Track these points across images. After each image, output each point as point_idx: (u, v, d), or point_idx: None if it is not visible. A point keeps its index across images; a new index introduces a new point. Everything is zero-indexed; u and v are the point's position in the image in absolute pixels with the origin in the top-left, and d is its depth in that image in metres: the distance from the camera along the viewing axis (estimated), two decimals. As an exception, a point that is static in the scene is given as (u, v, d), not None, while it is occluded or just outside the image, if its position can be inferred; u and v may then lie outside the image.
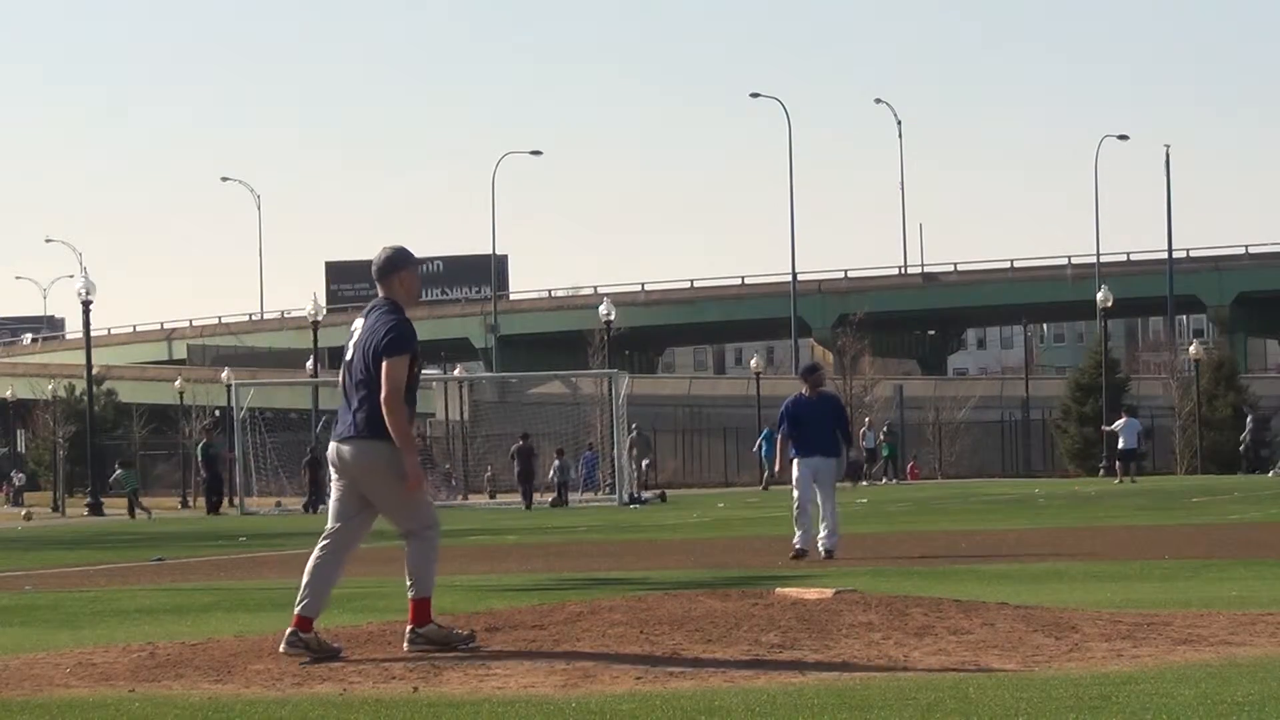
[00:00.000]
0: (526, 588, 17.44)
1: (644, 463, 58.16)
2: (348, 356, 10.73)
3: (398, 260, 10.71)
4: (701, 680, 9.56)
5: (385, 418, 10.47)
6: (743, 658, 10.15)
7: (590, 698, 9.06)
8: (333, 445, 10.75)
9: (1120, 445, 57.10)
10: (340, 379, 10.84)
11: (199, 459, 52.96)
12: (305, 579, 10.79)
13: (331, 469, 10.85)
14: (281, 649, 10.61)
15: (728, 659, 10.12)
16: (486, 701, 9.05)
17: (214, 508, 51.66)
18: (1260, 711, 8.16)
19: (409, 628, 10.75)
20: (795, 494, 20.85)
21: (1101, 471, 64.05)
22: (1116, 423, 58.22)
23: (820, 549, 20.51)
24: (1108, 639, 10.67)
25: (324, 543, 10.85)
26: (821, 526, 20.64)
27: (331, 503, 10.93)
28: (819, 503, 20.71)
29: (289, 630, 10.67)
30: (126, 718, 9.00)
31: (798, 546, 20.53)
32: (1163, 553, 20.57)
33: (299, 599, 10.75)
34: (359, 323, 10.84)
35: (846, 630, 10.90)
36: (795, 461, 20.83)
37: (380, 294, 10.77)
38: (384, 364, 10.45)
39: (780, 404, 21.98)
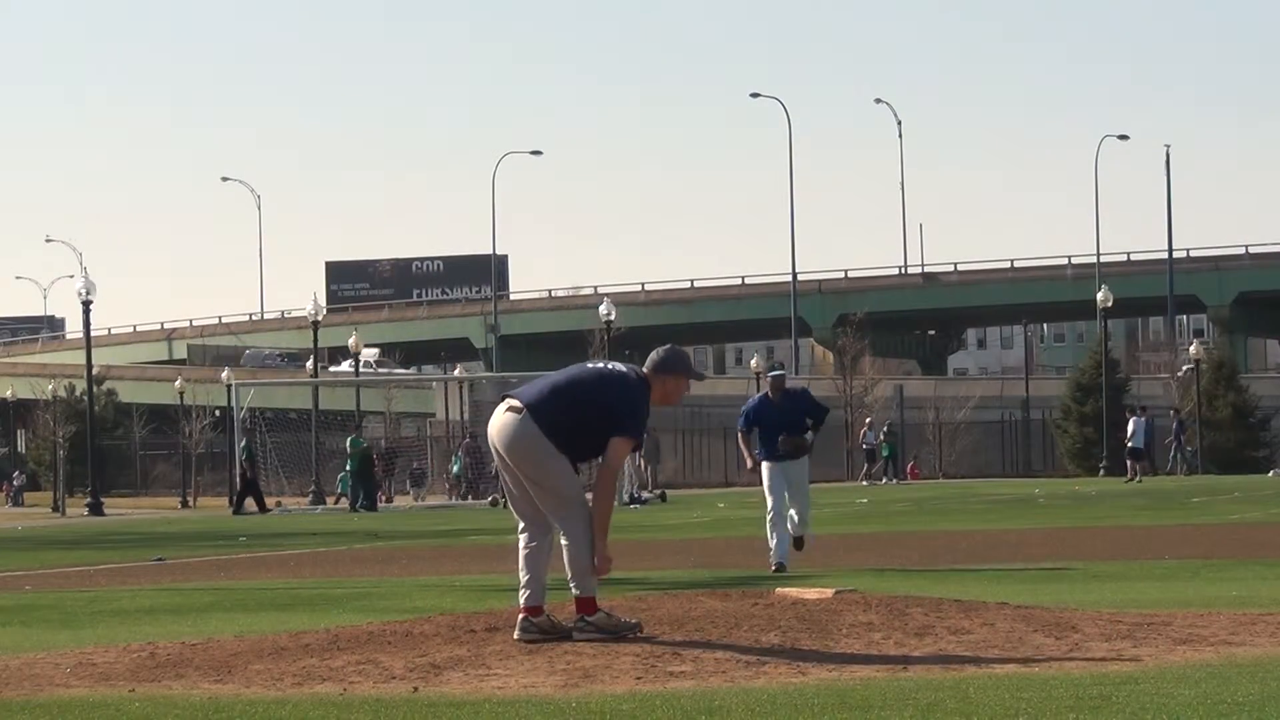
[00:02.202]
0: (526, 588, 17.42)
1: (653, 464, 58.04)
2: (573, 369, 10.88)
3: (668, 365, 10.80)
4: (701, 680, 9.56)
5: (595, 490, 10.64)
6: (743, 658, 10.16)
7: (590, 698, 9.07)
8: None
9: (1129, 444, 57.49)
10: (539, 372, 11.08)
11: (243, 458, 52.97)
12: (569, 566, 10.74)
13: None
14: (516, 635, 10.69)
15: (728, 659, 10.12)
16: (486, 701, 9.05)
17: (259, 506, 51.53)
18: (1260, 711, 8.17)
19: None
20: (769, 501, 19.27)
21: (1101, 471, 64.07)
22: (1129, 423, 58.63)
23: (790, 535, 19.12)
24: (1108, 639, 10.67)
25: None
26: (792, 513, 19.13)
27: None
28: (790, 504, 19.19)
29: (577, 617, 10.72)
30: (126, 718, 9.00)
31: (776, 561, 18.97)
32: (1163, 553, 20.57)
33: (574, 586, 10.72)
34: (594, 365, 10.95)
35: (846, 630, 10.90)
36: (765, 467, 19.30)
37: (644, 371, 10.79)
38: (614, 441, 10.57)
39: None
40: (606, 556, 10.63)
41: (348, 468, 53.37)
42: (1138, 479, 54.98)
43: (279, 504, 54.43)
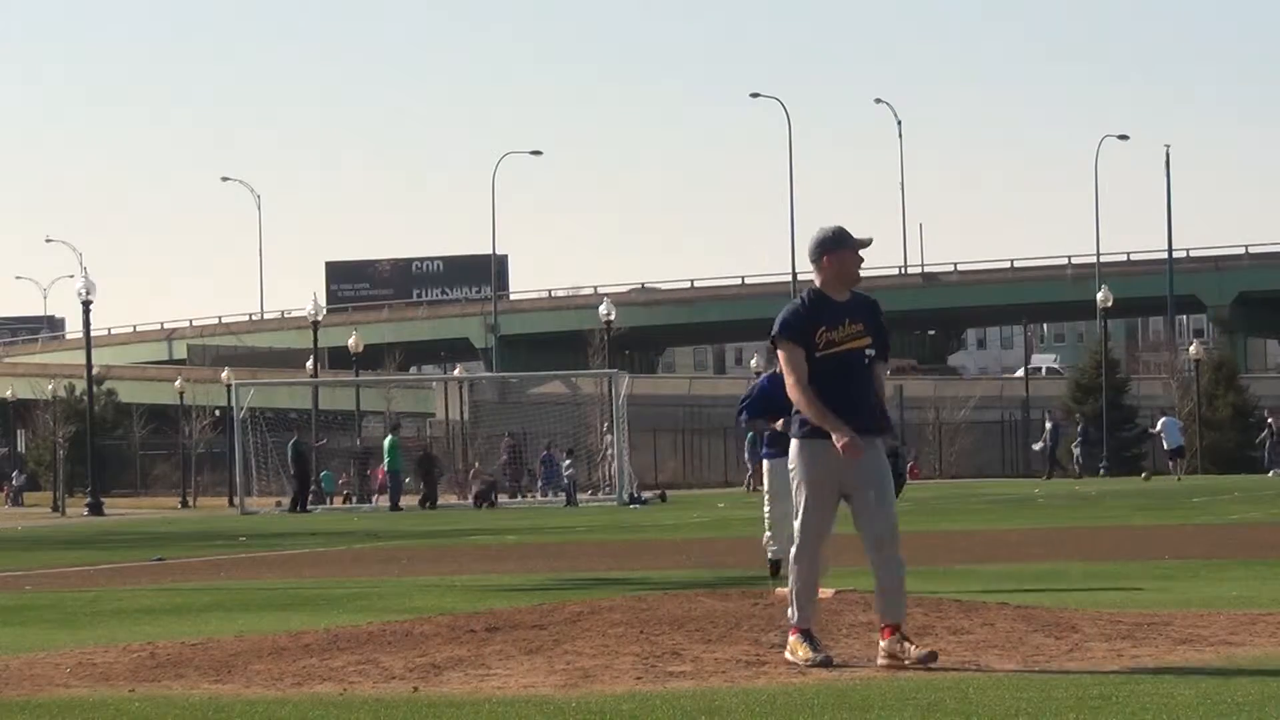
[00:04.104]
0: (526, 588, 17.45)
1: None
2: None
3: (823, 244, 10.18)
4: (701, 680, 9.56)
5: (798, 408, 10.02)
6: (743, 658, 10.16)
7: (590, 698, 9.07)
8: None
9: (1166, 445, 58.11)
10: None
11: (289, 455, 53.15)
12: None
13: None
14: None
15: (728, 659, 10.13)
16: (486, 701, 9.05)
17: (301, 506, 51.60)
18: (1260, 711, 8.17)
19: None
20: (767, 507, 16.20)
21: (1101, 472, 64.11)
22: (1158, 423, 59.23)
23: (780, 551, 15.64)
24: (1108, 639, 10.68)
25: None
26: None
27: None
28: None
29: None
30: (126, 718, 9.01)
31: (774, 558, 16.16)
32: (1163, 553, 20.56)
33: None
34: None
35: (846, 630, 10.91)
36: (768, 465, 16.01)
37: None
38: (779, 356, 10.12)
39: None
40: (843, 440, 9.84)
41: (385, 467, 53.60)
42: (1177, 476, 55.48)
43: (278, 504, 54.46)
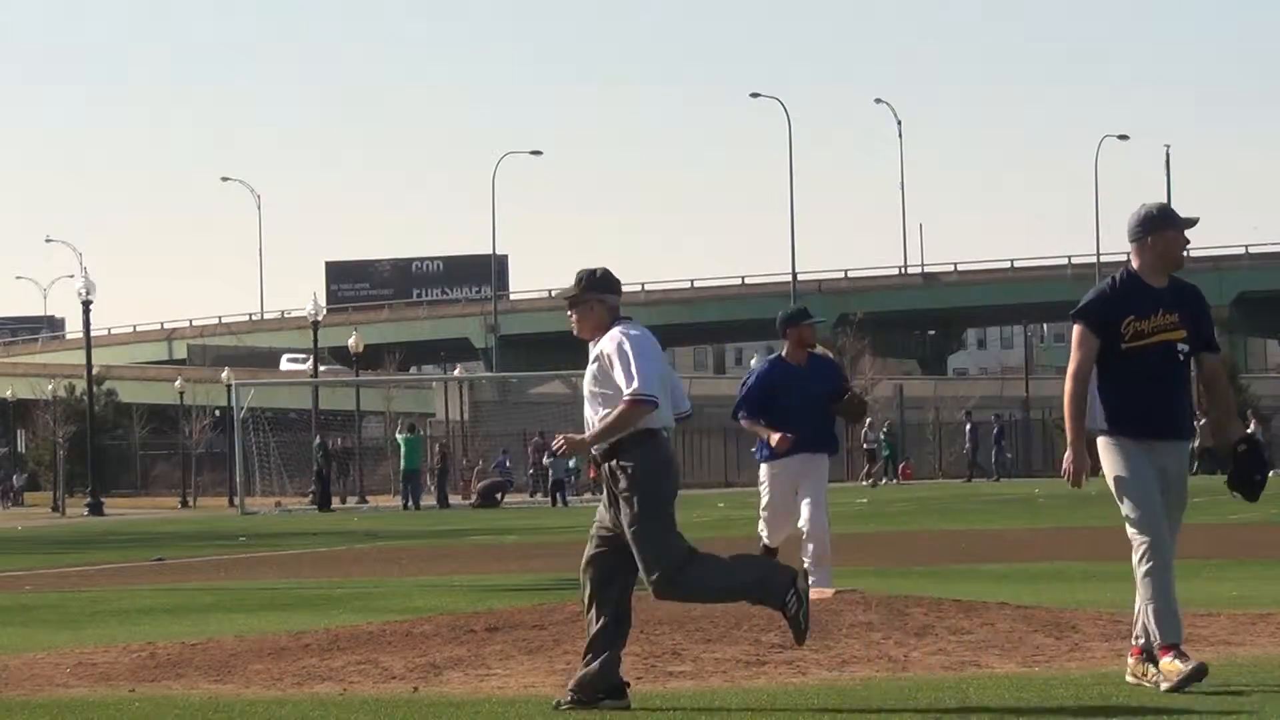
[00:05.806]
0: (526, 588, 17.45)
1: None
2: None
3: (1147, 222, 9.30)
4: (701, 680, 9.56)
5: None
6: (743, 658, 10.16)
7: (590, 698, 9.06)
8: None
9: None
10: None
11: (318, 455, 53.19)
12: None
13: None
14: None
15: (728, 659, 10.13)
16: (486, 701, 9.06)
17: (325, 504, 51.77)
18: (1260, 712, 8.18)
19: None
20: (764, 508, 13.65)
21: (1100, 473, 64.17)
22: None
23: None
24: (1108, 639, 10.70)
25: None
26: (805, 557, 13.00)
27: None
28: (800, 520, 13.35)
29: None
30: (126, 718, 9.01)
31: (765, 544, 13.59)
32: (1163, 553, 20.55)
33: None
34: None
35: (846, 630, 10.91)
36: (765, 468, 13.63)
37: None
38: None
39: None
40: (1069, 461, 9.25)
41: (401, 467, 53.62)
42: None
43: (278, 504, 54.47)
